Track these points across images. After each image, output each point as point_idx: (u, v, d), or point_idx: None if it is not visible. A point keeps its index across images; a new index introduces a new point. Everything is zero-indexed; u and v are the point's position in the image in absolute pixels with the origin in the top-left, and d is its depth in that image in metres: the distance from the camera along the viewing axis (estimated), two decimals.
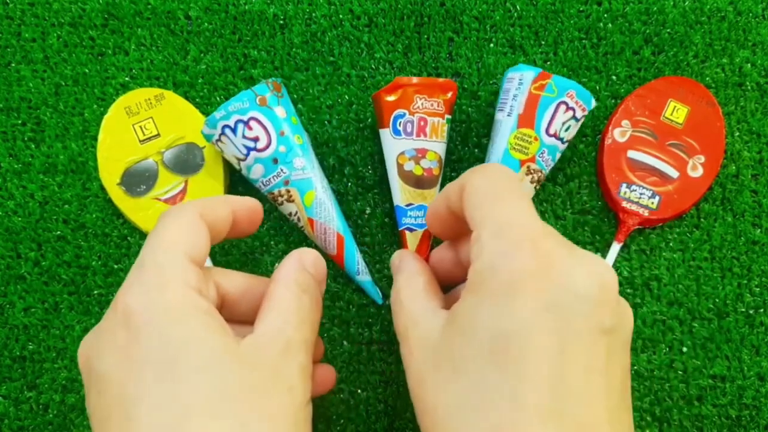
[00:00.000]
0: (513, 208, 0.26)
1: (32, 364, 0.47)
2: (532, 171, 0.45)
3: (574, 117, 0.45)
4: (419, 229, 0.42)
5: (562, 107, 0.45)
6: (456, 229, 0.32)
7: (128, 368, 0.23)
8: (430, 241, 0.44)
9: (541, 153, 0.45)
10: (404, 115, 0.37)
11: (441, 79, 0.40)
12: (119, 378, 0.23)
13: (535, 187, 0.46)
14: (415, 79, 0.39)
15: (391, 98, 0.38)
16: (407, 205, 0.38)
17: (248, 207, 0.32)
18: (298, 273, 0.31)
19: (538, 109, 0.44)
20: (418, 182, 0.38)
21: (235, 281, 0.31)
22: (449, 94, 0.42)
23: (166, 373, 0.23)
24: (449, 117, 0.41)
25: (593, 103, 0.46)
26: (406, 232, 0.42)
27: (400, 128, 0.37)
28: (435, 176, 0.38)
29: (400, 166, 0.37)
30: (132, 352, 0.23)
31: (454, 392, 0.25)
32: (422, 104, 0.37)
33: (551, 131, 0.45)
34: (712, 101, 0.48)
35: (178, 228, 0.28)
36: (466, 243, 0.33)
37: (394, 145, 0.41)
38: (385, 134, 0.42)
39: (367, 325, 0.46)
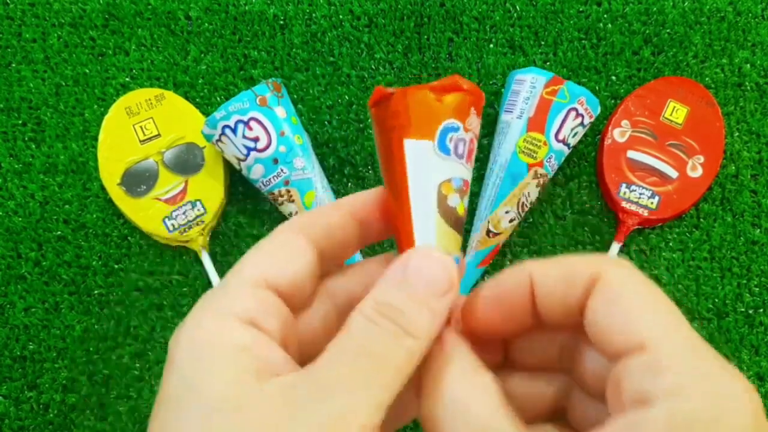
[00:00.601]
0: (693, 336, 0.20)
1: (33, 363, 0.47)
2: (539, 175, 0.45)
3: (582, 123, 0.45)
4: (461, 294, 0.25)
5: (572, 113, 0.45)
6: (517, 324, 0.23)
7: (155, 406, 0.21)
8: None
9: (549, 158, 0.45)
10: (458, 129, 0.23)
11: (477, 87, 0.26)
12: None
13: (539, 191, 0.46)
14: (466, 85, 0.25)
15: (447, 99, 0.24)
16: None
17: (368, 201, 0.25)
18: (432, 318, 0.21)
19: (550, 114, 0.44)
20: (457, 223, 0.24)
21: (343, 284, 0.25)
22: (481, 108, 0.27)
23: (165, 417, 0.20)
24: None
25: (599, 109, 0.46)
26: None
27: (451, 145, 0.23)
28: (464, 217, 0.25)
29: (442, 199, 0.23)
30: (161, 386, 0.21)
31: None
32: (475, 122, 0.25)
33: (560, 137, 0.45)
34: (712, 101, 0.48)
35: (265, 250, 0.23)
36: (529, 342, 0.24)
37: (437, 167, 0.25)
38: (422, 149, 0.25)
39: None
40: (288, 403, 0.19)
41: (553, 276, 0.22)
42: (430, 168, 0.25)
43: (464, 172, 0.24)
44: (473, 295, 0.23)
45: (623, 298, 0.20)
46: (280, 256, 0.23)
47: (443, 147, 0.24)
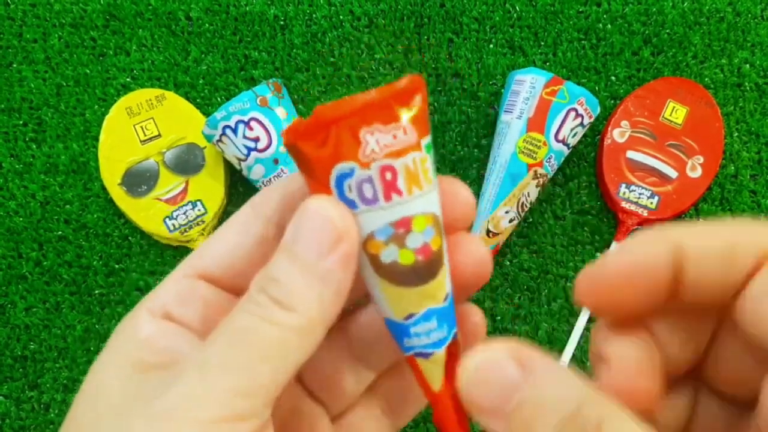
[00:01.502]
0: None
1: (33, 363, 0.47)
2: (538, 175, 0.45)
3: (581, 124, 0.46)
4: (437, 350, 0.21)
5: (572, 114, 0.45)
6: (648, 305, 0.18)
7: None
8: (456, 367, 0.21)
9: (549, 158, 0.45)
10: (352, 173, 0.19)
11: (393, 84, 0.19)
12: None
13: (539, 191, 0.46)
14: (347, 100, 0.19)
15: (318, 150, 0.19)
16: (407, 318, 0.20)
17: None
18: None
19: (549, 115, 0.45)
20: (413, 276, 0.20)
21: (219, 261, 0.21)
22: (415, 102, 0.20)
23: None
24: (429, 140, 0.20)
25: (599, 110, 0.46)
26: (418, 360, 0.21)
27: (352, 195, 0.19)
28: (435, 253, 0.20)
29: (373, 259, 0.19)
30: None
31: None
32: (377, 142, 0.19)
33: (560, 137, 0.45)
34: (711, 102, 0.48)
35: (213, 236, 0.21)
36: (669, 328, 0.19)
37: None
38: None
39: None
40: (137, 395, 0.17)
41: (712, 251, 0.17)
42: None
43: (385, 216, 0.19)
44: (596, 268, 0.18)
45: None
46: (217, 240, 0.21)
47: (345, 201, 0.19)
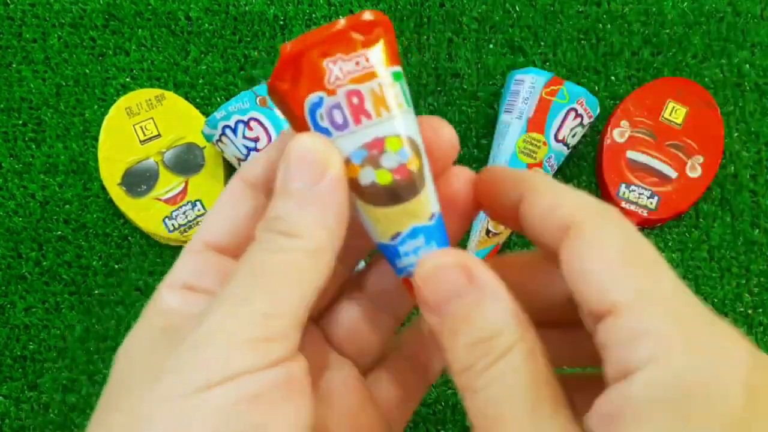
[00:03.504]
0: (677, 294, 0.18)
1: (33, 363, 0.47)
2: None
3: (581, 124, 0.46)
4: None
5: (572, 114, 0.45)
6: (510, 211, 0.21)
7: None
8: None
9: (549, 158, 0.45)
10: (320, 101, 0.20)
11: (355, 16, 0.20)
12: None
13: None
14: (310, 33, 0.20)
15: (290, 85, 0.20)
16: (393, 238, 0.20)
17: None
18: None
19: (549, 115, 0.45)
20: (392, 195, 0.20)
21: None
22: (377, 33, 0.20)
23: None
24: (397, 69, 0.21)
25: (598, 110, 0.46)
26: (411, 280, 0.21)
27: (324, 123, 0.20)
28: (414, 173, 0.20)
29: (352, 183, 0.20)
30: None
31: None
32: (340, 70, 0.20)
33: (560, 137, 0.45)
34: (711, 102, 0.48)
35: (209, 211, 0.23)
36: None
37: None
38: None
39: None
40: (170, 343, 0.18)
41: (537, 207, 0.19)
42: None
43: (357, 138, 0.20)
44: (483, 172, 0.22)
45: (595, 252, 0.17)
46: (216, 213, 0.22)
47: (319, 130, 0.20)
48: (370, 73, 0.20)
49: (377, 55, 0.20)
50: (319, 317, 0.24)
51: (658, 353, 0.16)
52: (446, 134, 0.22)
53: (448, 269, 0.19)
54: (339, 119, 0.20)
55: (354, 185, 0.20)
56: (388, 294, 0.24)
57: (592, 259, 0.17)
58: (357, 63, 0.20)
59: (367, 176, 0.20)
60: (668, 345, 0.16)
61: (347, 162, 0.20)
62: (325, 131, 0.20)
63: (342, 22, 0.20)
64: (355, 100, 0.20)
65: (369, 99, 0.20)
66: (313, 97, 0.20)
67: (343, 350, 0.24)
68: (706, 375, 0.15)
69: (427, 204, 0.20)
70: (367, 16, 0.20)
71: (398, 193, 0.20)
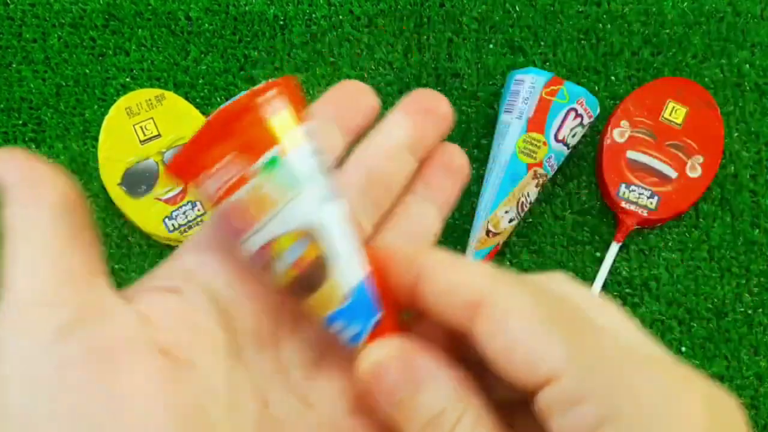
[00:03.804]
0: (604, 348, 0.17)
1: None
2: (538, 176, 0.45)
3: (581, 124, 0.46)
4: (357, 344, 0.20)
5: (572, 114, 0.45)
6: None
7: None
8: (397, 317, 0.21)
9: (549, 158, 0.45)
10: (216, 215, 0.20)
11: (221, 112, 0.18)
12: None
13: (538, 191, 0.46)
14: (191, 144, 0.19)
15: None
16: (322, 321, 0.20)
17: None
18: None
19: (549, 115, 0.45)
20: (300, 288, 0.20)
21: None
22: (245, 123, 0.19)
23: None
24: (270, 155, 0.19)
25: (598, 110, 0.46)
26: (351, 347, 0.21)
27: (225, 230, 0.21)
28: (313, 262, 0.19)
29: (272, 279, 0.20)
30: None
31: None
32: (214, 184, 0.19)
33: (560, 137, 0.45)
34: (711, 102, 0.48)
35: None
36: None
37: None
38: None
39: None
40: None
41: (438, 286, 0.19)
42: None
43: (256, 241, 0.19)
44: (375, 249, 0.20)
45: (513, 326, 0.17)
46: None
47: (228, 233, 0.20)
48: (240, 178, 0.18)
49: (243, 155, 0.18)
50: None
51: (603, 416, 0.16)
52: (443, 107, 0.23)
53: (385, 365, 0.19)
54: (238, 225, 0.19)
55: (273, 281, 0.20)
56: None
57: (513, 334, 0.17)
58: (226, 171, 0.18)
59: (275, 275, 0.19)
60: (616, 403, 0.16)
61: (257, 260, 0.19)
62: (236, 234, 0.19)
63: (213, 123, 0.18)
64: (233, 212, 0.19)
65: (241, 209, 0.19)
66: (214, 210, 0.20)
67: None
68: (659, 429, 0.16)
69: (337, 287, 0.19)
70: (235, 107, 0.18)
71: (305, 285, 0.19)
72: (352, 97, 0.23)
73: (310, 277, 0.19)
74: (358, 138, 0.24)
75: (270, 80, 0.19)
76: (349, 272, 0.20)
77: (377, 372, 0.19)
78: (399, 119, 0.23)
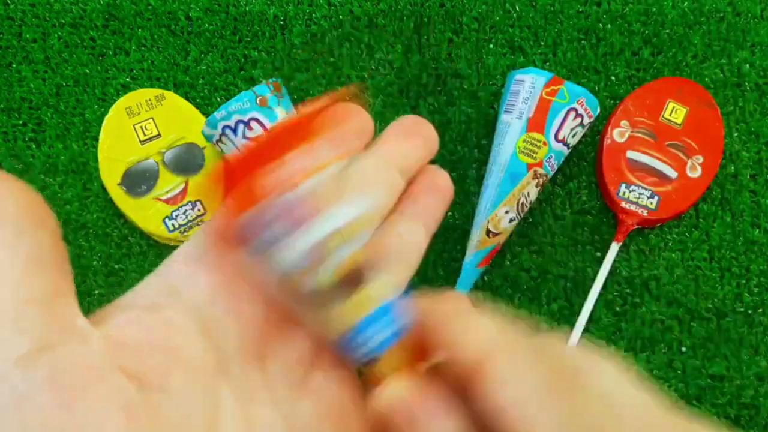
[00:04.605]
0: (621, 422, 0.18)
1: None
2: (538, 176, 0.45)
3: (581, 124, 0.46)
4: (382, 352, 0.20)
5: (572, 114, 0.45)
6: None
7: None
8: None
9: (549, 158, 0.45)
10: (259, 215, 0.19)
11: (310, 108, 0.19)
12: None
13: (538, 191, 0.46)
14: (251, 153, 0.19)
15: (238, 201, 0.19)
16: (345, 334, 0.20)
17: None
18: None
19: (549, 115, 0.45)
20: (335, 295, 0.19)
21: None
22: (327, 122, 0.20)
23: None
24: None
25: (599, 110, 0.46)
26: (365, 367, 0.21)
27: (268, 237, 0.19)
28: (354, 268, 0.19)
29: (293, 289, 0.19)
30: None
31: None
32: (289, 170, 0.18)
33: (560, 137, 0.45)
34: (711, 102, 0.48)
35: None
36: None
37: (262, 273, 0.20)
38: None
39: None
40: None
41: (447, 339, 0.19)
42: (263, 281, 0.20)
43: (297, 245, 0.18)
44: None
45: (509, 391, 0.18)
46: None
47: (262, 243, 0.19)
48: (322, 165, 0.18)
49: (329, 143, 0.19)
50: None
51: None
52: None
53: (401, 402, 0.19)
54: (292, 218, 0.18)
55: (294, 292, 0.19)
56: None
57: (509, 397, 0.17)
58: (307, 157, 0.19)
59: (311, 281, 0.19)
60: None
61: (288, 271, 0.19)
62: (267, 243, 0.19)
63: (296, 120, 0.19)
64: (309, 196, 0.18)
65: (325, 190, 0.19)
66: (252, 212, 0.19)
67: None
68: None
69: (381, 288, 0.20)
70: (304, 112, 0.19)
71: (342, 291, 0.19)
72: (345, 119, 0.24)
73: (357, 276, 0.19)
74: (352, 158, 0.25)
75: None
76: (380, 282, 0.20)
77: (392, 407, 0.19)
78: (389, 141, 0.24)
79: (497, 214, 0.46)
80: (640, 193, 0.47)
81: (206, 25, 0.50)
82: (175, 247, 0.50)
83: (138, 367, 0.17)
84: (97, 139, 0.48)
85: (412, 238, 0.24)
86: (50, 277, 0.17)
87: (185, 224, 0.47)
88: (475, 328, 0.19)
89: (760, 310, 0.47)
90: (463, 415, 0.19)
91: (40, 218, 0.17)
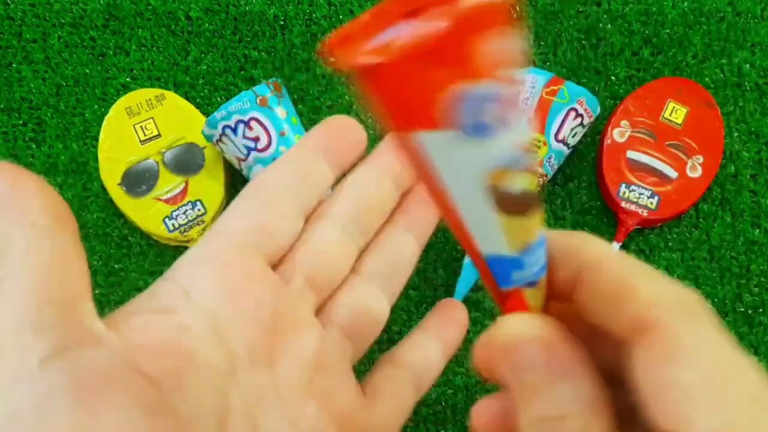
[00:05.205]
0: None
1: None
2: (538, 176, 0.45)
3: (581, 124, 0.46)
4: (542, 275, 0.19)
5: (572, 114, 0.45)
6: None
7: None
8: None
9: (549, 158, 0.45)
10: (486, 92, 0.14)
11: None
12: None
13: (539, 191, 0.46)
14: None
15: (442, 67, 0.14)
16: (523, 248, 0.18)
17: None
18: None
19: (549, 115, 0.45)
20: (525, 203, 0.17)
21: None
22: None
23: None
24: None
25: (599, 110, 0.46)
26: (526, 290, 0.19)
27: (485, 119, 0.15)
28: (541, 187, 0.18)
29: (495, 191, 0.16)
30: None
31: None
32: (494, 53, 0.14)
33: (560, 137, 0.45)
34: (711, 102, 0.48)
35: None
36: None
37: (474, 159, 0.16)
38: (438, 141, 0.16)
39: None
40: None
41: (603, 295, 0.17)
42: (465, 165, 0.16)
43: (512, 139, 0.15)
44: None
45: (678, 372, 0.14)
46: None
47: (473, 128, 0.15)
48: (515, 58, 0.15)
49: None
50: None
51: None
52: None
53: (528, 341, 0.17)
54: (495, 115, 0.15)
55: (496, 193, 0.16)
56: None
57: (674, 380, 0.14)
58: (504, 49, 0.15)
59: (514, 185, 0.16)
60: None
61: (500, 167, 0.16)
62: (476, 129, 0.15)
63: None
64: (508, 94, 0.15)
65: (515, 98, 0.15)
66: (472, 87, 0.14)
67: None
68: None
69: (539, 221, 0.18)
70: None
71: (530, 203, 0.17)
72: (340, 132, 0.24)
73: (540, 191, 0.17)
74: (346, 171, 0.25)
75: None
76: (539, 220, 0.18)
77: (515, 344, 0.17)
78: (383, 154, 0.24)
79: None
80: (640, 193, 0.47)
81: (206, 25, 0.50)
82: (175, 247, 0.50)
83: (154, 369, 0.17)
84: (97, 139, 0.48)
85: (405, 249, 0.24)
86: (70, 279, 0.17)
87: (185, 224, 0.47)
88: (642, 280, 0.16)
89: (761, 310, 0.47)
90: (591, 385, 0.16)
91: (63, 220, 0.17)
